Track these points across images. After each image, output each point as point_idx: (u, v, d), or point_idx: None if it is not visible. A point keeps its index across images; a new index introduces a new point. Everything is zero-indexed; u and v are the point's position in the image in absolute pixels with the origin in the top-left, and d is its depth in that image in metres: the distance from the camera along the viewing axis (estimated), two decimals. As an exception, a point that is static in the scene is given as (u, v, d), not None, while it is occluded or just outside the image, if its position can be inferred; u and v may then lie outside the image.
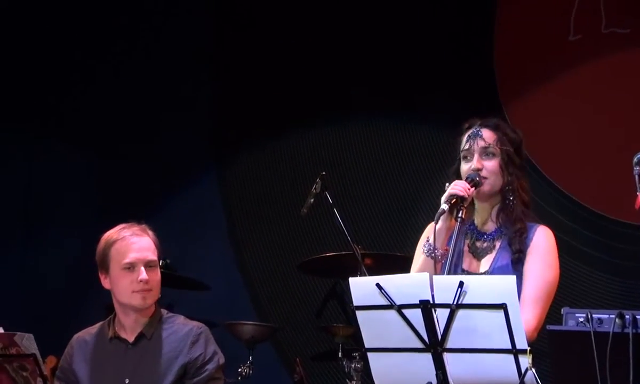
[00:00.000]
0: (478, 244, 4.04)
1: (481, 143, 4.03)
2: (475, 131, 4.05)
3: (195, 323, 4.46)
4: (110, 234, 4.45)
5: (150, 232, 4.44)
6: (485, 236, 4.04)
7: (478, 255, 4.03)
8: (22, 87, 7.66)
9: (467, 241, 4.03)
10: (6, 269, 7.54)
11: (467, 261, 4.00)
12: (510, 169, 4.03)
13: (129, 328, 4.40)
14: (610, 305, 5.97)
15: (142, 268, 4.33)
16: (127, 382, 4.34)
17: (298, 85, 7.27)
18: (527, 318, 3.67)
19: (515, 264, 3.94)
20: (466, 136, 4.07)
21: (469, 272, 3.94)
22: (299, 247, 7.10)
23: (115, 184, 7.49)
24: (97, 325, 4.54)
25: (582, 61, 6.67)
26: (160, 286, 4.41)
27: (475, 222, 4.05)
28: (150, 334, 4.38)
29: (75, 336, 4.54)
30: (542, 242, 3.98)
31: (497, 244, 4.01)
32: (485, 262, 4.00)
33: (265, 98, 7.36)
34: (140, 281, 4.32)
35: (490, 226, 4.06)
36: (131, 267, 4.34)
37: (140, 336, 4.39)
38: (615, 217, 6.41)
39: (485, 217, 4.06)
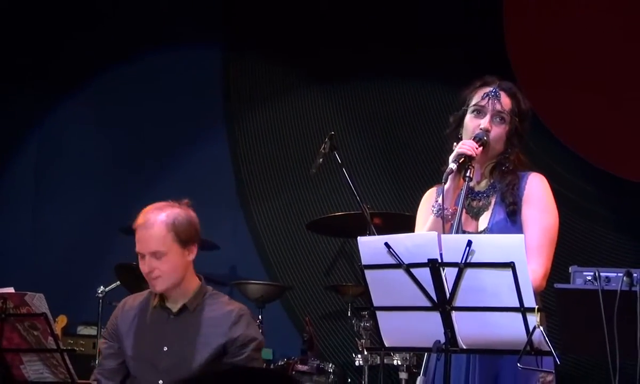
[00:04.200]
0: (474, 203, 4.03)
1: (497, 106, 3.99)
2: (494, 91, 4.00)
3: (237, 305, 4.52)
4: (138, 217, 4.47)
5: (168, 216, 4.40)
6: (479, 195, 4.04)
7: (475, 214, 4.02)
8: (34, 44, 7.66)
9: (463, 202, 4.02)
10: (18, 229, 7.58)
11: (465, 222, 4.00)
12: (513, 140, 4.01)
13: (171, 298, 4.48)
14: (619, 264, 5.98)
15: (146, 258, 4.39)
16: (165, 349, 4.40)
17: (309, 45, 7.27)
18: (533, 268, 3.65)
19: (511, 216, 3.94)
20: (483, 92, 4.01)
21: (469, 233, 3.94)
22: (308, 206, 7.13)
23: (126, 143, 7.51)
24: (145, 292, 4.61)
25: (593, 17, 6.66)
26: (180, 267, 4.41)
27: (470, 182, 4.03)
28: (193, 308, 4.44)
29: (124, 300, 4.63)
30: (537, 189, 3.97)
31: (492, 200, 4.01)
32: (483, 220, 3.99)
33: (276, 58, 7.36)
34: (143, 272, 4.41)
35: (484, 184, 4.06)
36: (140, 256, 4.42)
37: (183, 308, 4.45)
38: (624, 176, 6.41)
39: (478, 176, 4.05)
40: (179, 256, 4.40)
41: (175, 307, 4.46)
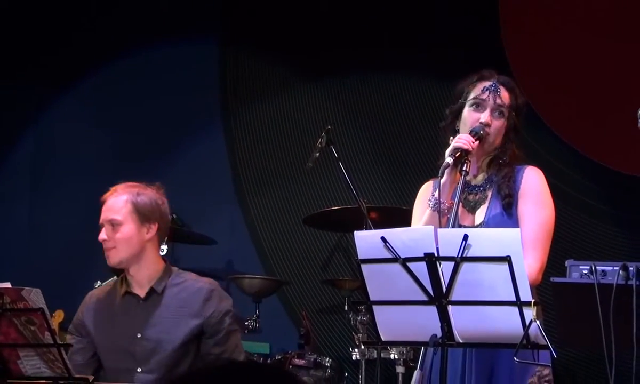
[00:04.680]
0: (470, 197, 4.04)
1: (497, 100, 3.99)
2: (494, 85, 4.00)
3: (206, 280, 4.54)
4: None
5: (132, 191, 4.50)
6: (476, 188, 4.05)
7: (472, 208, 4.03)
8: (30, 41, 7.65)
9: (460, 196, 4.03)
10: (14, 224, 7.57)
11: (462, 216, 4.00)
12: (510, 135, 4.03)
13: (136, 283, 4.49)
14: (615, 257, 5.99)
15: (104, 228, 4.46)
16: (138, 336, 4.41)
17: (304, 40, 7.26)
18: (529, 262, 3.65)
19: (507, 209, 3.94)
20: (483, 85, 4.01)
21: (465, 227, 3.94)
22: (305, 201, 7.13)
23: (122, 139, 7.51)
24: (111, 282, 4.67)
25: (589, 10, 6.66)
26: (135, 243, 4.45)
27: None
28: (161, 290, 4.46)
29: (90, 293, 4.66)
30: (533, 183, 3.98)
31: (489, 194, 4.01)
32: (480, 214, 4.00)
33: (273, 53, 7.35)
34: (100, 240, 4.46)
35: (480, 178, 4.06)
36: (101, 228, 4.49)
37: (151, 291, 4.46)
38: (620, 170, 6.41)
39: (474, 170, 4.06)
40: (136, 230, 4.44)
41: (142, 292, 4.48)
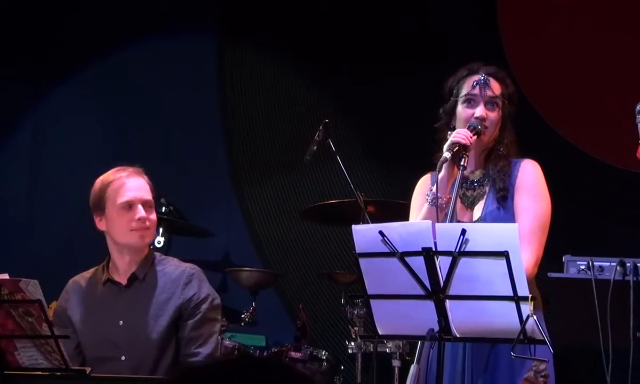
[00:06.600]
0: (468, 193, 4.05)
1: (489, 93, 4.01)
2: (483, 78, 4.02)
3: (187, 265, 4.48)
4: (106, 175, 4.46)
5: (145, 175, 4.46)
6: (474, 184, 4.05)
7: (470, 204, 4.03)
8: (28, 31, 7.64)
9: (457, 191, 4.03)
10: (12, 215, 7.57)
11: (460, 212, 4.01)
12: (506, 123, 4.04)
13: (122, 270, 4.43)
14: (612, 253, 5.99)
15: (140, 206, 4.36)
16: (120, 324, 4.35)
17: (303, 35, 7.26)
18: (525, 255, 3.65)
19: (502, 202, 3.95)
20: (472, 80, 4.03)
21: (464, 223, 3.94)
22: (302, 194, 7.12)
23: (120, 130, 7.50)
24: (92, 269, 4.56)
25: (586, 5, 6.67)
26: (156, 228, 4.47)
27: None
28: (142, 276, 4.40)
29: (71, 280, 4.57)
30: (529, 176, 3.99)
31: (486, 189, 4.02)
32: (478, 210, 4.00)
33: (270, 47, 7.35)
34: (139, 219, 4.35)
35: (478, 173, 4.07)
36: (128, 206, 4.37)
37: (132, 278, 4.41)
38: (617, 164, 6.41)
39: (473, 165, 4.06)
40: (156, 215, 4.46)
41: (124, 279, 4.41)
